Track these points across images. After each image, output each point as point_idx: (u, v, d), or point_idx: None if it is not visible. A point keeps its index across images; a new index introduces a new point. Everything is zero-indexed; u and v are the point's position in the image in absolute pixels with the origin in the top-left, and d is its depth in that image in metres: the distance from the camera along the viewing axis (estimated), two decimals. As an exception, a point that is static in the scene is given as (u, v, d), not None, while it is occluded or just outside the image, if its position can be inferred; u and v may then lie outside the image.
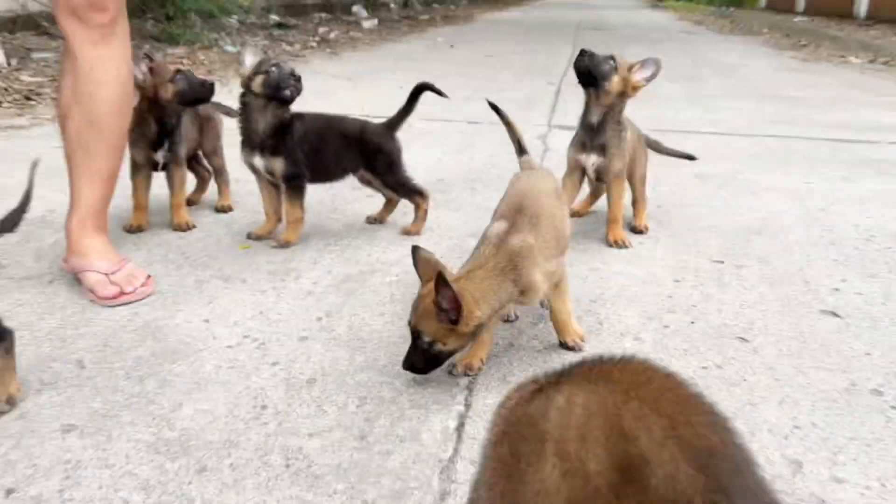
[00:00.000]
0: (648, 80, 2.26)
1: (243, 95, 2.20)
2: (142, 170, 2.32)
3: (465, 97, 5.15)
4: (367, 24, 11.55)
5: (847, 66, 7.76)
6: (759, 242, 2.34)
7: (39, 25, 6.68)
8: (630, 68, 2.22)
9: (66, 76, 1.84)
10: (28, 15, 6.66)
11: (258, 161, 2.22)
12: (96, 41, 1.77)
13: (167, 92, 2.21)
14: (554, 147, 3.66)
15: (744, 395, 1.46)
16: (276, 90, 2.13)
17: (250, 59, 2.19)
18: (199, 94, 2.25)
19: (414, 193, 2.40)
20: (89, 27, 1.75)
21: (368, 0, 15.15)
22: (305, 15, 12.38)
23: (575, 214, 2.58)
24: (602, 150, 2.25)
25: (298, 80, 2.17)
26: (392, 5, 17.51)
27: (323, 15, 12.67)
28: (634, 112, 4.46)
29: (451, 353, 1.44)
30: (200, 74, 5.79)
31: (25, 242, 2.20)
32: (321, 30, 10.23)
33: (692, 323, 1.78)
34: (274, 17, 10.41)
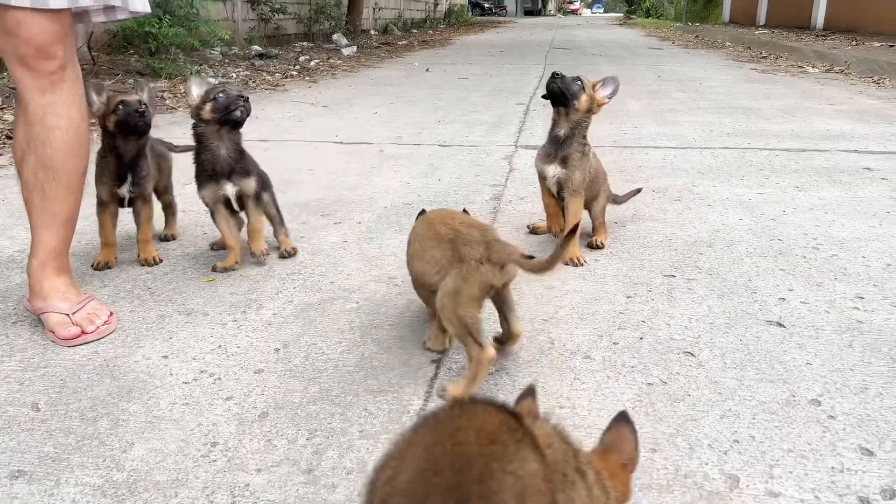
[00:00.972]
0: (610, 96, 2.39)
1: (196, 126, 2.25)
2: (107, 206, 2.33)
3: (437, 120, 5.22)
4: (346, 52, 11.66)
5: (804, 76, 7.96)
6: (711, 255, 2.40)
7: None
8: (594, 87, 2.36)
9: (19, 122, 1.86)
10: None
11: (229, 189, 2.27)
12: (45, 88, 1.79)
13: (110, 122, 2.23)
14: (518, 167, 3.73)
15: (686, 411, 1.50)
16: (225, 112, 2.19)
17: (196, 90, 2.24)
18: (133, 122, 2.23)
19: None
20: (39, 75, 1.77)
21: (348, 28, 15.30)
22: (288, 44, 12.48)
23: (536, 231, 2.65)
24: (564, 161, 2.34)
25: (246, 100, 2.23)
26: (373, 32, 17.69)
27: (305, 44, 12.78)
28: (601, 129, 4.58)
29: None
30: (181, 105, 5.85)
31: (-14, 284, 2.21)
32: (302, 58, 10.31)
33: (641, 339, 1.82)
34: (257, 48, 10.48)
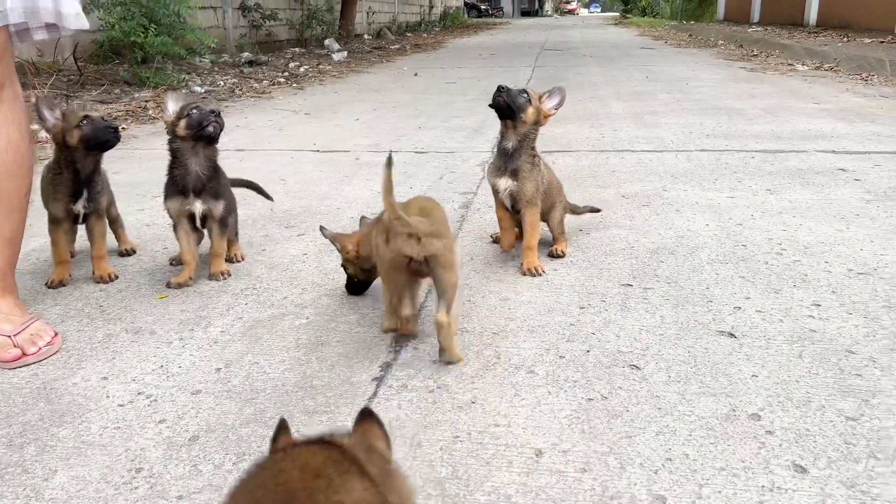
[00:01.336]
0: (556, 107, 2.37)
1: (172, 142, 2.25)
2: (61, 224, 2.31)
3: (418, 126, 5.21)
4: (337, 57, 11.65)
5: (793, 74, 7.92)
6: (672, 262, 2.38)
7: None
8: (540, 98, 2.33)
9: None
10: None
11: (197, 206, 2.26)
12: None
13: (73, 137, 2.21)
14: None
15: (623, 427, 1.47)
16: (199, 129, 2.19)
17: (172, 106, 2.25)
18: (104, 137, 2.24)
19: None
20: None
21: (341, 33, 15.29)
22: (280, 51, 12.49)
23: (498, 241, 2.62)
24: (515, 174, 2.32)
25: (218, 115, 2.24)
26: (366, 36, 17.69)
27: (297, 50, 12.78)
28: (580, 132, 4.56)
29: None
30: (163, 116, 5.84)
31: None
32: (292, 65, 10.32)
33: (588, 352, 1.80)
34: (247, 55, 10.48)
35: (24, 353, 1.83)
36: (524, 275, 2.32)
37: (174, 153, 2.26)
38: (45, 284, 2.32)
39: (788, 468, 1.32)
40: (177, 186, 2.26)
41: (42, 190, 2.31)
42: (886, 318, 1.92)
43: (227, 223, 2.37)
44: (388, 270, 1.79)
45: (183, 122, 2.20)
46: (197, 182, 2.25)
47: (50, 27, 1.92)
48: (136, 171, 3.86)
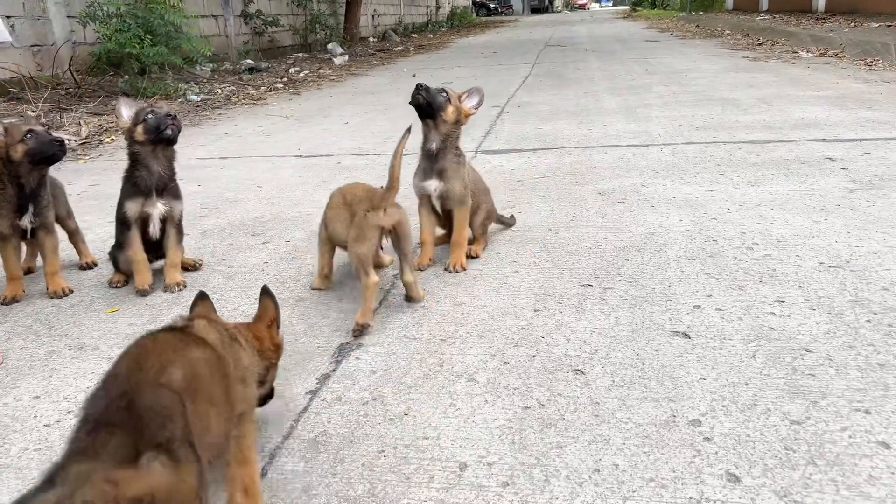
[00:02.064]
0: (476, 107, 2.37)
1: (131, 146, 2.27)
2: (9, 240, 2.28)
3: (407, 127, 5.14)
4: (338, 61, 11.64)
5: (795, 62, 7.77)
6: (638, 260, 2.30)
7: (8, 91, 6.75)
8: (460, 98, 2.34)
9: None
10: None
11: (159, 206, 2.27)
12: None
13: (17, 152, 2.18)
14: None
15: (555, 437, 1.41)
16: (157, 132, 2.22)
17: (127, 112, 2.26)
18: (50, 151, 2.22)
19: None
20: None
21: (345, 36, 15.30)
22: (284, 56, 12.51)
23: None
24: (441, 174, 2.32)
25: (174, 118, 2.26)
26: (371, 39, 17.69)
27: (300, 55, 12.80)
28: (567, 129, 4.48)
29: None
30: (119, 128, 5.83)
31: None
32: (292, 70, 10.31)
33: (533, 357, 1.73)
34: (249, 62, 10.50)
35: (-38, 372, 1.79)
36: (447, 271, 2.29)
37: (134, 157, 2.27)
38: (-1, 301, 2.30)
39: (721, 477, 1.25)
40: (139, 188, 2.26)
41: None
42: (850, 313, 1.83)
43: (182, 229, 2.35)
44: (361, 243, 1.96)
45: (140, 127, 2.22)
46: (158, 182, 2.28)
47: None
48: (114, 182, 3.84)
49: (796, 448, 1.31)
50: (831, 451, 1.30)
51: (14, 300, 2.29)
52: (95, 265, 2.60)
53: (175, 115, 2.27)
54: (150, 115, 2.22)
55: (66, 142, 2.29)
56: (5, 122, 2.23)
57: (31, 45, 7.42)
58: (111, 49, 7.54)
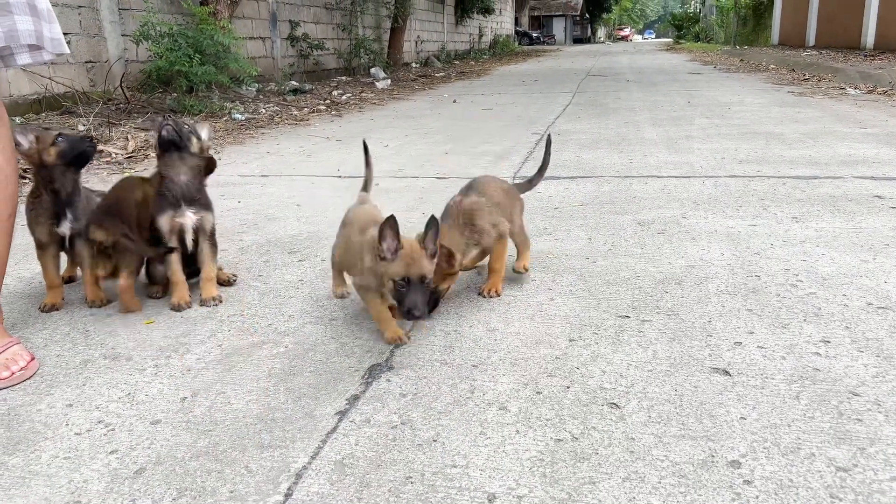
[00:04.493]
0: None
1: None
2: (48, 248, 2.33)
3: (445, 151, 5.17)
4: (380, 85, 11.80)
5: (842, 99, 7.63)
6: (677, 293, 2.25)
7: (62, 105, 6.98)
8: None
9: None
10: (52, 96, 7.01)
11: (189, 216, 2.31)
12: None
13: (50, 155, 2.24)
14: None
15: (588, 472, 1.36)
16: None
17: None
18: (81, 147, 2.28)
19: None
20: None
21: (388, 62, 15.51)
22: (327, 79, 12.72)
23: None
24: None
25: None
26: (414, 65, 17.91)
27: (343, 78, 13.00)
28: (608, 158, 4.45)
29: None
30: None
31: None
32: (335, 93, 10.47)
33: (567, 388, 1.69)
34: (293, 84, 10.70)
35: (-2, 376, 1.82)
36: (482, 296, 2.29)
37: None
38: (39, 308, 2.33)
39: (761, 525, 1.19)
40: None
41: (27, 216, 2.33)
42: (901, 357, 1.76)
43: (215, 242, 2.40)
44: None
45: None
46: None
47: (33, 50, 1.94)
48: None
49: (842, 497, 1.25)
50: (880, 501, 1.23)
51: (54, 308, 2.32)
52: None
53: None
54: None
55: (97, 143, 2.34)
56: (35, 130, 2.29)
57: (86, 62, 7.66)
58: (161, 67, 7.75)
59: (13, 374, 1.84)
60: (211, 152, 2.41)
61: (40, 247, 2.31)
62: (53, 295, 2.33)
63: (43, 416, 1.67)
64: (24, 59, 1.95)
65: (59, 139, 2.24)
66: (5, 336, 1.95)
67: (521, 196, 2.52)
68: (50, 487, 1.39)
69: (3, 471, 1.45)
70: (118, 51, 8.08)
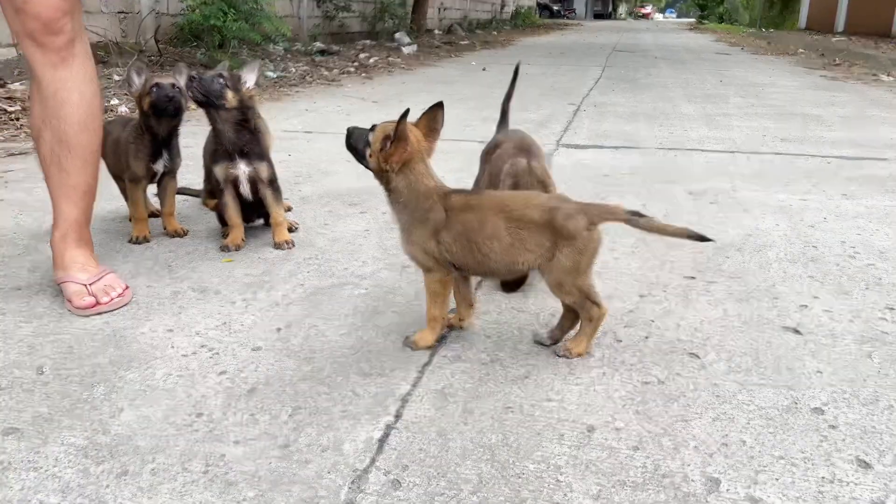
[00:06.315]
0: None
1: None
2: (141, 182, 2.42)
3: (483, 118, 5.21)
4: (406, 50, 11.75)
5: (877, 85, 7.61)
6: (738, 259, 2.32)
7: (96, 55, 7.00)
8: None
9: (34, 99, 1.93)
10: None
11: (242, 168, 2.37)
12: (56, 64, 1.85)
13: (144, 104, 2.31)
14: (557, 163, 3.68)
15: (679, 411, 1.45)
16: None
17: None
18: (162, 106, 2.31)
19: None
20: (48, 51, 1.83)
21: (412, 27, 15.42)
22: (351, 42, 12.67)
23: None
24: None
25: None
26: (437, 32, 17.79)
27: (368, 42, 12.94)
28: (649, 130, 4.48)
29: None
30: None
31: (25, 255, 2.30)
32: (362, 56, 10.45)
33: (646, 338, 1.77)
34: (319, 45, 10.67)
35: (98, 301, 1.91)
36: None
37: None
38: (129, 241, 2.42)
39: (851, 462, 1.28)
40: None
41: (128, 150, 2.40)
42: (965, 325, 1.83)
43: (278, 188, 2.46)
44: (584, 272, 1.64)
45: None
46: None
47: None
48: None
49: (925, 443, 1.33)
50: (961, 448, 1.32)
51: (145, 240, 2.42)
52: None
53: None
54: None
55: (179, 95, 2.33)
56: (145, 73, 2.35)
57: (118, 13, 7.67)
58: (195, 20, 7.76)
59: (112, 299, 1.93)
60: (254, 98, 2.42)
61: (135, 180, 2.39)
62: (141, 227, 2.43)
63: (148, 339, 1.76)
64: None
65: (154, 89, 2.29)
66: (99, 265, 2.03)
67: None
68: (171, 399, 1.48)
69: (123, 383, 1.55)
70: (150, 2, 8.08)
